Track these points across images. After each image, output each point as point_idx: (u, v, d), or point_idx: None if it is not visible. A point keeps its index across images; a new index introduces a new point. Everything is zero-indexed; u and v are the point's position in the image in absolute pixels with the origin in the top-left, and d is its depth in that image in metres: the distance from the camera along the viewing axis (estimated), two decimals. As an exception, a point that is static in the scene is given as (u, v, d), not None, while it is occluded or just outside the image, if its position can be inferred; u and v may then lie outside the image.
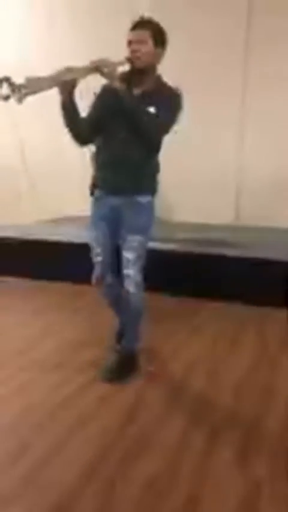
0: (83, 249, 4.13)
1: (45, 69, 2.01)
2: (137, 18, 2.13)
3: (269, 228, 5.34)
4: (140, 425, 1.96)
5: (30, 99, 1.83)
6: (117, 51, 2.12)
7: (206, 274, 3.76)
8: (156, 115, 2.10)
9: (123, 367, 2.38)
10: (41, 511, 1.47)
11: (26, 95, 1.79)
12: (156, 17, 2.17)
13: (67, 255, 4.24)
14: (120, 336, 2.57)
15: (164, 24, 2.17)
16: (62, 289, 4.01)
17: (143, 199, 2.26)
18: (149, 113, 2.10)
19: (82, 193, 2.50)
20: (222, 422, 1.99)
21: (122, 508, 1.48)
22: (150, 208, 2.30)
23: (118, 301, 2.44)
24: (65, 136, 2.27)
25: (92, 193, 2.35)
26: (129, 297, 2.31)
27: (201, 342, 2.92)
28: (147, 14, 2.18)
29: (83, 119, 2.19)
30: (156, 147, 2.25)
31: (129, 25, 2.15)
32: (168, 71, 2.39)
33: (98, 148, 2.28)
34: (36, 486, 1.58)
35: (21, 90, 1.78)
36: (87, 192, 2.37)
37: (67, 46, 5.28)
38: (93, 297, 3.75)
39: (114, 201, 2.25)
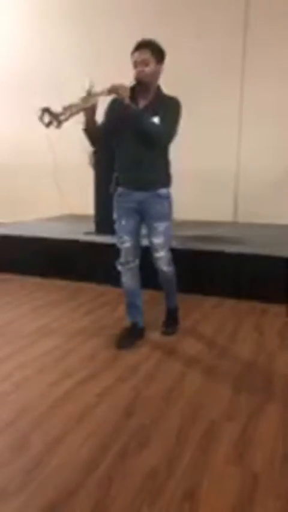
0: (84, 248, 4.16)
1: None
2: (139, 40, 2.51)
3: (267, 225, 5.36)
4: (139, 419, 1.98)
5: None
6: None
7: (205, 270, 3.78)
8: (161, 124, 2.48)
9: (171, 323, 2.99)
10: (40, 504, 1.48)
11: (63, 121, 2.22)
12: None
13: (67, 252, 4.26)
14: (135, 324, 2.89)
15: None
16: (61, 287, 4.03)
17: (162, 191, 2.65)
18: (155, 125, 2.49)
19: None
20: (220, 416, 2.01)
21: (121, 501, 1.49)
22: (169, 197, 2.70)
23: (137, 284, 2.82)
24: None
25: (114, 191, 2.72)
26: (165, 273, 2.79)
27: (200, 337, 2.94)
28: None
29: (99, 129, 2.56)
30: (164, 149, 2.62)
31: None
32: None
33: (117, 154, 2.67)
34: (36, 480, 1.60)
35: (59, 118, 2.20)
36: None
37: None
38: (91, 295, 3.79)
39: (138, 196, 2.63)
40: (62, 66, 6.39)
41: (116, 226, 2.74)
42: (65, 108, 2.24)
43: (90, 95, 2.36)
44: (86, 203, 5.06)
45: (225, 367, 2.51)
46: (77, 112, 2.32)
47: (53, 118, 2.21)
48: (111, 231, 4.37)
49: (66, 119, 2.23)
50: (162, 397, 2.18)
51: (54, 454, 1.74)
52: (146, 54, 2.48)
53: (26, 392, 2.21)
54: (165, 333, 2.95)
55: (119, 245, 2.76)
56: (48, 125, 2.23)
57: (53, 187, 6.65)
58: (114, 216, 2.74)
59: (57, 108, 2.23)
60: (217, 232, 4.83)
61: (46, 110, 2.20)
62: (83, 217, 5.54)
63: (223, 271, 3.78)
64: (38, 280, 4.19)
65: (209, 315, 3.36)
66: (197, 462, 1.70)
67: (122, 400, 2.14)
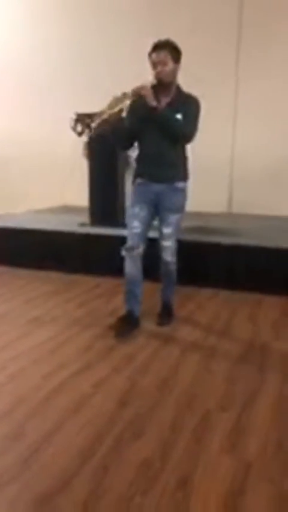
0: (78, 240, 4.15)
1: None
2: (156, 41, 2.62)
3: (262, 216, 5.38)
4: (134, 409, 1.99)
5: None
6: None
7: (200, 262, 3.79)
8: (183, 122, 2.63)
9: (166, 315, 3.02)
10: (35, 493, 1.49)
11: (95, 128, 2.47)
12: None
13: (62, 244, 4.26)
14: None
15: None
16: (55, 278, 4.03)
17: (179, 184, 2.79)
18: (180, 124, 2.63)
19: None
20: (214, 406, 2.03)
21: (115, 490, 1.51)
22: (185, 191, 2.84)
23: (139, 273, 2.85)
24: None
25: (133, 182, 2.87)
26: (167, 264, 2.89)
27: (194, 328, 2.96)
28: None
29: (124, 130, 2.70)
30: (186, 144, 2.78)
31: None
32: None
33: (139, 148, 2.81)
34: (32, 468, 1.61)
35: (91, 125, 2.37)
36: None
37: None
38: (86, 287, 3.79)
39: (157, 187, 2.76)
40: (54, 61, 6.35)
41: (129, 212, 2.86)
42: (95, 116, 2.48)
43: (116, 100, 2.55)
44: (80, 194, 5.04)
45: (219, 357, 2.53)
46: (106, 118, 2.54)
47: (85, 127, 2.47)
48: (106, 223, 4.41)
49: (97, 127, 2.50)
50: (157, 387, 2.19)
51: (49, 444, 1.75)
52: (164, 55, 2.59)
53: (21, 383, 2.22)
54: (160, 324, 2.96)
55: (127, 230, 2.83)
56: (81, 133, 2.59)
57: (47, 179, 6.62)
58: (129, 203, 2.89)
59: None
60: (212, 224, 4.84)
61: (78, 120, 2.46)
62: (78, 208, 5.53)
63: (218, 262, 3.79)
64: (32, 272, 4.18)
65: (204, 306, 3.38)
66: (191, 451, 1.72)
67: (117, 391, 2.15)
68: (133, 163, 5.27)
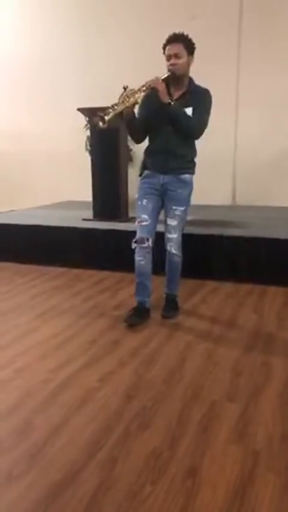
0: (82, 234, 4.16)
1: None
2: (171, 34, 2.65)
3: (265, 207, 5.36)
4: (141, 402, 2.00)
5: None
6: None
7: (204, 254, 3.79)
8: (194, 116, 2.67)
9: (171, 308, 3.03)
10: (45, 487, 1.50)
11: (108, 120, 2.48)
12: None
13: (66, 240, 4.26)
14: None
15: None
16: (59, 274, 4.04)
17: (185, 177, 2.82)
18: (191, 119, 2.67)
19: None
20: (221, 397, 2.03)
21: (125, 480, 1.52)
22: (191, 184, 2.86)
23: (149, 265, 2.87)
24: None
25: (140, 174, 2.90)
26: (172, 256, 2.91)
27: (199, 320, 2.96)
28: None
29: (138, 122, 2.72)
30: (195, 139, 2.80)
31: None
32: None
33: (149, 140, 2.84)
34: (40, 463, 1.62)
35: (105, 118, 2.46)
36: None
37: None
38: (90, 282, 3.80)
39: (164, 179, 2.79)
40: (56, 56, 6.33)
41: (137, 205, 2.87)
42: (109, 108, 2.50)
43: (130, 93, 2.56)
44: (83, 190, 5.05)
45: (225, 348, 2.54)
46: (120, 111, 2.55)
47: (99, 119, 2.47)
48: (109, 217, 4.41)
49: (110, 119, 2.49)
50: (163, 379, 2.20)
51: (57, 438, 1.76)
52: (179, 48, 2.61)
53: (27, 378, 2.23)
54: (165, 317, 2.97)
55: (137, 223, 2.86)
56: (96, 125, 2.51)
57: (50, 174, 6.63)
58: (137, 196, 2.89)
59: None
60: (216, 216, 4.83)
61: (93, 112, 2.51)
62: (81, 203, 5.53)
63: (222, 254, 3.79)
64: (36, 267, 4.19)
65: (209, 298, 3.38)
66: (198, 441, 1.72)
67: (124, 384, 2.16)
68: (134, 157, 5.27)
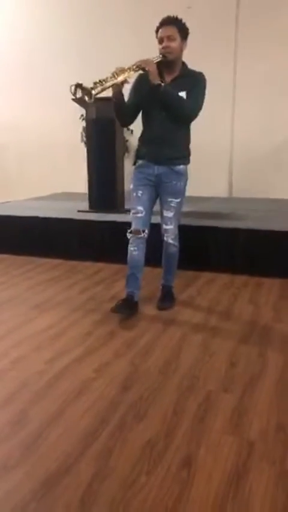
0: (78, 226, 4.14)
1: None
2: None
3: (262, 199, 5.35)
4: (136, 393, 2.00)
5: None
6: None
7: (200, 246, 3.79)
8: (187, 99, 2.58)
9: (167, 299, 3.03)
10: (40, 477, 1.51)
11: (95, 95, 2.37)
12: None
13: (62, 231, 4.25)
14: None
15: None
16: (55, 265, 4.03)
17: (180, 168, 2.75)
18: (184, 101, 2.58)
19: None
20: (216, 388, 2.04)
21: (120, 470, 1.52)
22: (185, 174, 2.80)
23: (142, 257, 2.83)
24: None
25: (134, 163, 2.83)
26: (169, 246, 2.90)
27: (195, 311, 2.96)
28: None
29: (127, 105, 2.66)
30: (189, 123, 2.73)
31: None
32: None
33: (143, 128, 2.77)
34: (36, 453, 1.62)
35: (91, 92, 2.35)
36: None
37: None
38: (86, 273, 3.79)
39: (158, 169, 2.74)
40: (52, 45, 6.26)
41: (132, 196, 2.82)
42: (96, 83, 2.39)
43: (119, 70, 2.48)
44: (78, 181, 5.02)
45: (221, 339, 2.54)
46: (108, 87, 2.45)
47: (85, 93, 2.38)
48: (105, 208, 4.39)
49: (98, 93, 2.39)
50: (159, 370, 2.20)
51: (53, 428, 1.76)
52: (172, 31, 2.55)
53: (23, 369, 2.23)
54: (161, 308, 2.97)
55: (131, 214, 2.83)
56: (80, 99, 2.45)
57: (45, 166, 6.59)
58: (131, 186, 2.83)
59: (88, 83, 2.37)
60: (212, 208, 4.82)
61: (78, 86, 2.38)
62: (76, 195, 5.51)
63: (218, 246, 3.78)
64: (32, 259, 4.18)
65: (205, 289, 3.38)
66: (194, 432, 1.73)
67: (120, 375, 2.16)
68: (130, 148, 5.24)
